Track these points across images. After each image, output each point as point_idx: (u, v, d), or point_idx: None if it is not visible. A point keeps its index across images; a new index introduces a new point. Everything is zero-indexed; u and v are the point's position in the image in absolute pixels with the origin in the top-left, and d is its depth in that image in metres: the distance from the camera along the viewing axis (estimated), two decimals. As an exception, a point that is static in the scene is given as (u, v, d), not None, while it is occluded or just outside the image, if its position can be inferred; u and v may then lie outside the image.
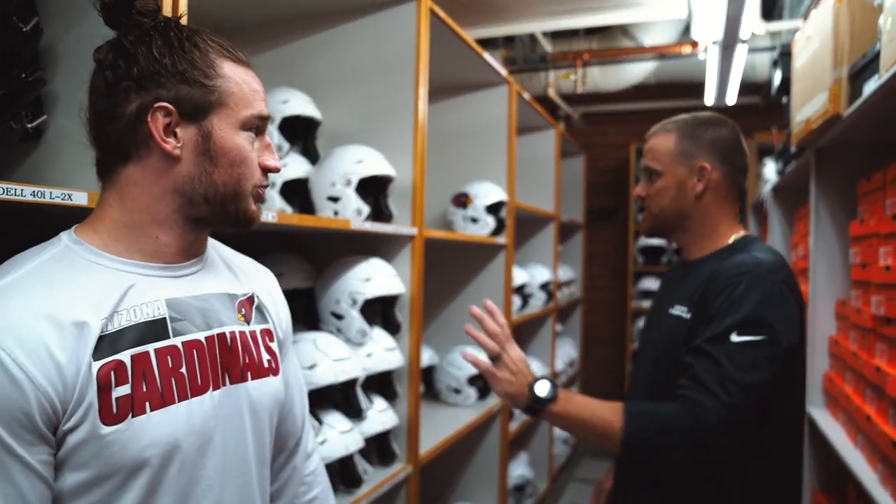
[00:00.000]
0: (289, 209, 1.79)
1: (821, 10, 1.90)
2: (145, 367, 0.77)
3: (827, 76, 1.78)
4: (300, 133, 1.96)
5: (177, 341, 0.81)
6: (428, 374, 2.81)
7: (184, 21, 0.96)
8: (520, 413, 3.26)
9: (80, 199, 0.88)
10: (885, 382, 1.50)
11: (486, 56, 2.74)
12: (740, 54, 3.01)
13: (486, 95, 3.01)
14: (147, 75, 0.78)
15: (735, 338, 1.16)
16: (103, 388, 0.73)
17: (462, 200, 2.81)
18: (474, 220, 2.78)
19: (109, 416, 0.73)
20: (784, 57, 2.35)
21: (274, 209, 1.78)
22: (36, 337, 0.70)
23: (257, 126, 0.86)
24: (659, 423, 1.18)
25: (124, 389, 0.75)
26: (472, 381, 2.75)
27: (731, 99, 3.69)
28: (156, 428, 0.77)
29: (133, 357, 0.76)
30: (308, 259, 2.00)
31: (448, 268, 2.97)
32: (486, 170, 2.99)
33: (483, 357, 1.33)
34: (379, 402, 1.85)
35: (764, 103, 4.64)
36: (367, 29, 2.04)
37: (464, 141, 3.03)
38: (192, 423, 0.80)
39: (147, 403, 0.76)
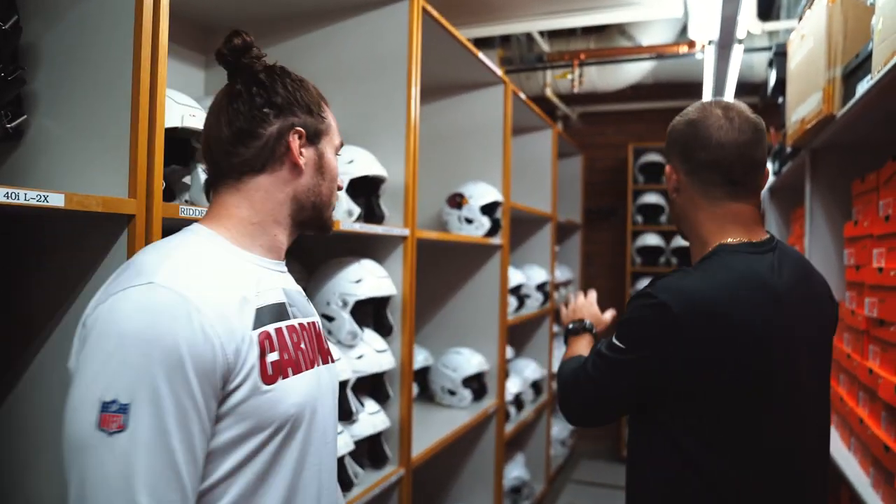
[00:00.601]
0: (279, 210, 1.77)
1: (815, 11, 1.88)
2: (280, 340, 0.92)
3: (821, 76, 1.77)
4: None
5: (294, 322, 0.97)
6: (423, 376, 2.80)
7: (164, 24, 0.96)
8: (516, 414, 3.25)
9: (56, 200, 0.87)
10: (877, 385, 1.49)
11: (481, 55, 2.73)
12: (737, 54, 2.99)
13: (482, 95, 3.00)
14: (286, 105, 0.97)
15: (614, 339, 1.19)
16: (262, 353, 0.87)
17: (457, 201, 2.79)
18: (469, 221, 2.77)
19: (266, 376, 0.87)
20: (779, 57, 2.33)
21: (263, 210, 1.77)
22: (220, 305, 0.83)
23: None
24: (568, 367, 1.33)
25: (274, 355, 0.89)
26: (467, 382, 2.74)
27: (729, 98, 3.67)
28: (295, 390, 0.91)
29: (275, 330, 0.91)
30: (299, 260, 1.99)
31: (443, 269, 2.96)
32: (481, 170, 2.98)
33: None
34: (370, 405, 1.84)
35: (762, 104, 4.61)
36: (358, 28, 2.02)
37: (460, 141, 3.02)
38: (310, 390, 0.95)
39: (289, 369, 0.91)
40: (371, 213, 1.89)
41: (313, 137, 1.00)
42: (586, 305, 1.64)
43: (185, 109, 1.32)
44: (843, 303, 1.95)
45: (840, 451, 1.77)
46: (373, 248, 2.00)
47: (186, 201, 1.48)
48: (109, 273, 1.09)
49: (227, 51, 0.97)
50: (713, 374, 1.09)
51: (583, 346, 1.48)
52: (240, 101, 0.96)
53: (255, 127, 0.95)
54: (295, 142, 0.97)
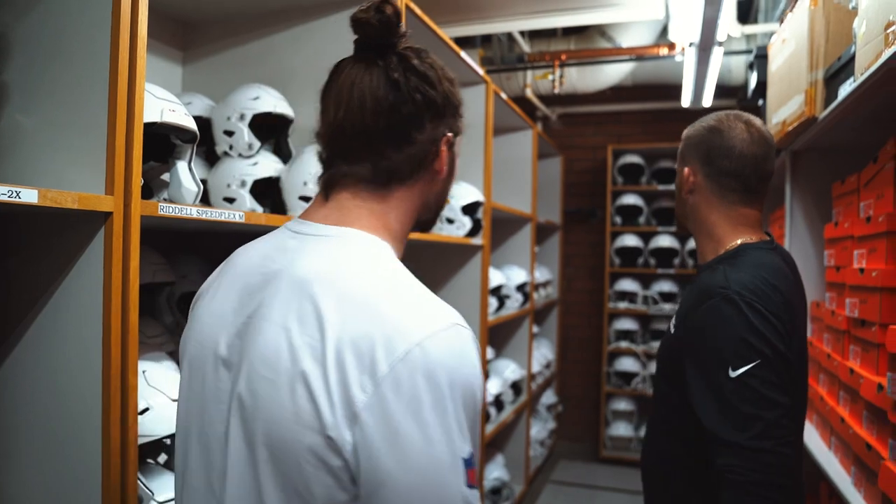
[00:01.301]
0: (259, 209, 1.74)
1: (796, 14, 1.90)
2: None
3: (803, 79, 1.78)
4: (272, 131, 1.91)
5: None
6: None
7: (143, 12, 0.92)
8: (496, 414, 3.24)
9: (29, 196, 0.84)
10: (858, 385, 1.50)
11: (463, 54, 2.71)
12: (717, 56, 3.02)
13: (464, 94, 2.93)
14: (443, 107, 0.84)
15: (732, 373, 1.12)
16: None
17: (438, 201, 2.77)
18: (450, 221, 2.75)
19: None
20: (760, 59, 2.35)
21: (244, 209, 1.73)
22: None
23: None
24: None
25: None
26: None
27: (708, 101, 3.70)
28: None
29: None
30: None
31: (424, 269, 2.94)
32: (462, 170, 2.96)
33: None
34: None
35: (739, 106, 4.66)
36: (341, 25, 1.99)
37: (440, 141, 2.99)
38: None
39: None
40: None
41: (454, 140, 0.88)
42: None
43: (164, 104, 1.28)
44: (822, 303, 1.97)
45: (820, 449, 1.78)
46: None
47: (165, 199, 1.44)
48: (86, 272, 1.06)
49: (376, 21, 0.80)
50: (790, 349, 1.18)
51: None
52: (397, 95, 0.80)
53: (411, 130, 0.82)
54: (445, 151, 0.85)
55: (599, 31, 4.07)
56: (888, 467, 1.22)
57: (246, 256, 0.86)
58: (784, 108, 1.97)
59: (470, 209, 2.78)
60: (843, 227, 1.72)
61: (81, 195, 0.96)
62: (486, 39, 4.14)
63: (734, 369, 1.11)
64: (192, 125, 1.37)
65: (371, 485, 0.67)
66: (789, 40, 1.95)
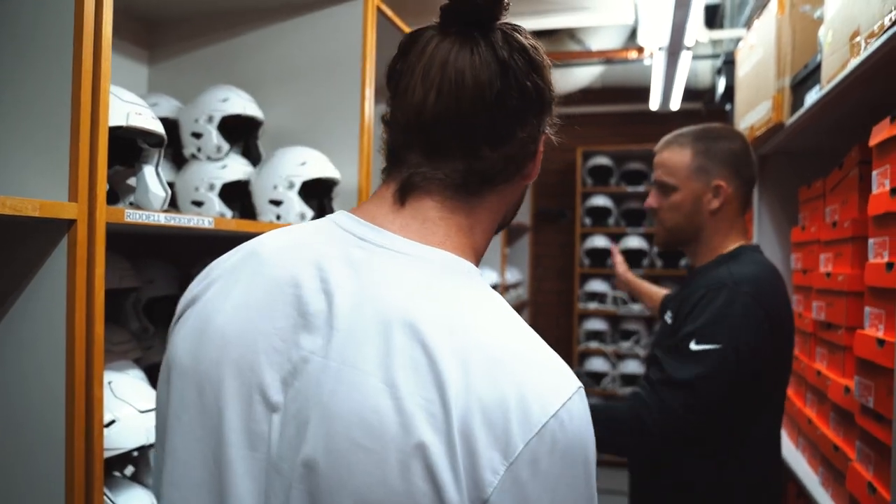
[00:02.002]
0: (228, 213, 1.71)
1: (764, 21, 1.93)
2: None
3: (770, 85, 1.81)
4: (241, 133, 1.87)
5: None
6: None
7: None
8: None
9: (-12, 205, 0.80)
10: (826, 387, 1.53)
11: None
12: (685, 60, 3.06)
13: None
14: (549, 99, 0.71)
15: (693, 346, 1.24)
16: None
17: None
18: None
19: None
20: (728, 65, 2.39)
21: (212, 213, 1.70)
22: None
23: None
24: (605, 418, 1.28)
25: None
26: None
27: (675, 104, 3.76)
28: None
29: None
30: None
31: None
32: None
33: None
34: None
35: (706, 110, 4.74)
36: (311, 26, 1.97)
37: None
38: None
39: None
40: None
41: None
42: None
43: (130, 107, 1.25)
44: (789, 306, 2.01)
45: (788, 449, 1.82)
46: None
47: (132, 204, 1.40)
48: (49, 282, 1.02)
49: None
50: (779, 352, 1.33)
51: None
52: (505, 81, 0.64)
53: (514, 127, 0.66)
54: (541, 150, 0.71)
55: (569, 34, 4.10)
56: (855, 468, 1.24)
57: (285, 255, 0.66)
58: (752, 113, 2.01)
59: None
60: (810, 231, 1.76)
61: (43, 202, 0.92)
62: (457, 41, 4.13)
63: (697, 344, 1.23)
64: (160, 129, 1.33)
65: None
66: (757, 47, 1.99)
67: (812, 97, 1.53)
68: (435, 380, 0.54)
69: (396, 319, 0.57)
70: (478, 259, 0.70)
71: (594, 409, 1.30)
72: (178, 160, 1.85)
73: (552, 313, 5.18)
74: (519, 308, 4.91)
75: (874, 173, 1.24)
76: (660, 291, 1.89)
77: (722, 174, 1.39)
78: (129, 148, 1.38)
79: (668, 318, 1.42)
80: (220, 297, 0.66)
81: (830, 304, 1.55)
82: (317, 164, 1.78)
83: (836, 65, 1.35)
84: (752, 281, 1.28)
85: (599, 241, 4.75)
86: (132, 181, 1.41)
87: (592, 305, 4.76)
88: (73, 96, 0.99)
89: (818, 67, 1.52)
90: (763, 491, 1.36)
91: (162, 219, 1.26)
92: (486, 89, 0.63)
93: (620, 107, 4.90)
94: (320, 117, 1.96)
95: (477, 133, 0.64)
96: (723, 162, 1.39)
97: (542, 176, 4.62)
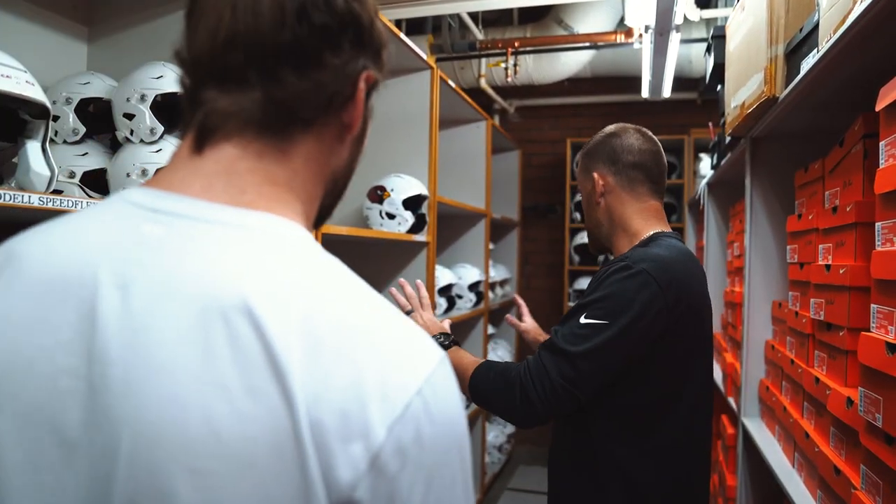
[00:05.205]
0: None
1: (755, -16, 1.72)
2: None
3: (762, 55, 1.61)
4: (180, 115, 1.68)
5: None
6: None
7: None
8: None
9: None
10: (825, 397, 1.33)
11: (403, 36, 2.51)
12: (674, 42, 2.85)
13: (407, 82, 2.78)
14: (369, 32, 0.60)
15: (583, 319, 1.25)
16: None
17: (378, 194, 2.56)
18: (391, 216, 2.54)
19: None
20: (717, 40, 2.18)
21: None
22: None
23: None
24: (494, 379, 1.33)
25: None
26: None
27: (667, 91, 3.54)
28: None
29: None
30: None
31: (367, 267, 2.73)
32: (406, 162, 2.76)
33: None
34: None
35: (701, 99, 4.55)
36: None
37: (383, 131, 2.78)
38: None
39: None
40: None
41: (371, 91, 0.63)
42: (431, 321, 1.60)
43: (-9, 67, 1.05)
44: (785, 303, 1.80)
45: (782, 466, 1.61)
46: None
47: (13, 186, 1.21)
48: None
49: None
50: (681, 333, 1.30)
51: (468, 356, 1.46)
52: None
53: (323, 48, 0.56)
54: (362, 92, 0.60)
55: (556, 18, 3.90)
56: (860, 499, 1.04)
57: (57, 250, 0.53)
58: (742, 90, 1.80)
59: (412, 203, 2.58)
60: (807, 219, 1.56)
61: None
62: (438, 28, 3.93)
63: (586, 318, 1.25)
64: (37, 95, 1.13)
65: None
66: (747, 15, 1.78)
67: (808, 63, 1.32)
68: (273, 370, 0.46)
69: (213, 305, 0.47)
70: (307, 217, 0.60)
71: (492, 364, 1.38)
72: (116, 146, 1.68)
73: (541, 311, 4.98)
74: (506, 307, 4.71)
75: (881, 144, 1.03)
76: None
77: (597, 167, 1.46)
78: (7, 120, 1.19)
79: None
80: None
81: (830, 302, 1.35)
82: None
83: (836, 19, 1.14)
84: (654, 259, 1.27)
85: (590, 237, 4.55)
86: (15, 160, 1.22)
87: (583, 304, 4.56)
88: None
89: (815, 29, 1.31)
90: (670, 489, 1.33)
91: (35, 200, 1.06)
92: (287, 2, 0.54)
93: (611, 96, 4.70)
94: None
95: (275, 53, 0.54)
96: (599, 154, 1.47)
97: (530, 169, 4.44)
